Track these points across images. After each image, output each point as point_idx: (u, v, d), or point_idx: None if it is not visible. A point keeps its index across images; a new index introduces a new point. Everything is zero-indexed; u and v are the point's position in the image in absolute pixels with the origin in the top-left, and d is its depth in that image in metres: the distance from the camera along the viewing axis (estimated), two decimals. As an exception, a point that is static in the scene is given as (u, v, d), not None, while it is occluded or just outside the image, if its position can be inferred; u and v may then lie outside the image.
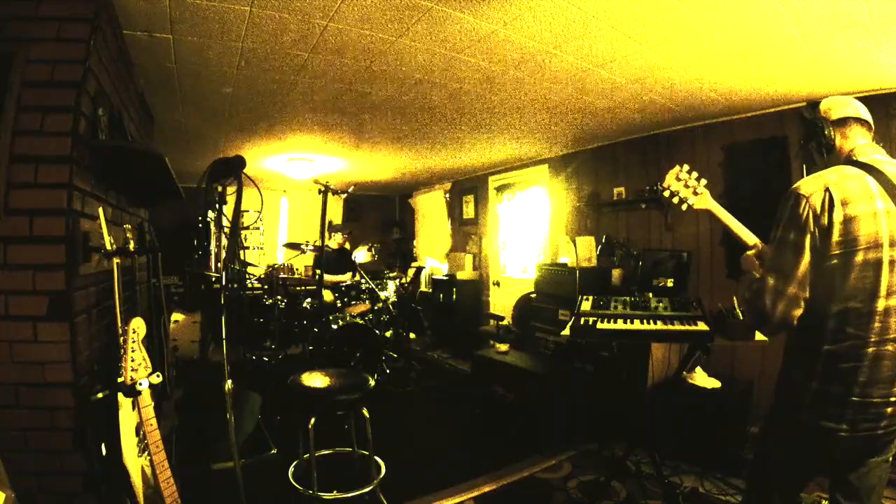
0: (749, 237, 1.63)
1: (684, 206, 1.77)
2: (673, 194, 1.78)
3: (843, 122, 1.38)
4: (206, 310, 3.62)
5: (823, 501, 2.18)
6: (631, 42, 2.29)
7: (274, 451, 2.82)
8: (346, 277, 5.01)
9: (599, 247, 4.12)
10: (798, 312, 1.28)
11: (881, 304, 1.21)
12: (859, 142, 1.36)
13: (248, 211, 3.81)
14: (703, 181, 1.77)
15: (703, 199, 1.75)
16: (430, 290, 6.32)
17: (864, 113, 1.39)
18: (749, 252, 1.55)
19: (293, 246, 4.49)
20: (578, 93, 3.06)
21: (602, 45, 2.33)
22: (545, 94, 3.07)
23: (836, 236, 1.23)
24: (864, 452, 1.30)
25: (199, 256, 4.54)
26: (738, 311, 1.96)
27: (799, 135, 1.55)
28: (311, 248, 4.37)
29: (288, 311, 4.53)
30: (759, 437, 1.53)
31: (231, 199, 2.61)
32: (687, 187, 1.76)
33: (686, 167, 1.78)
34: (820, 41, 2.21)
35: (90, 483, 1.65)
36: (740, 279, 1.51)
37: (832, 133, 1.38)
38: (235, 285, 3.83)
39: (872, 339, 1.21)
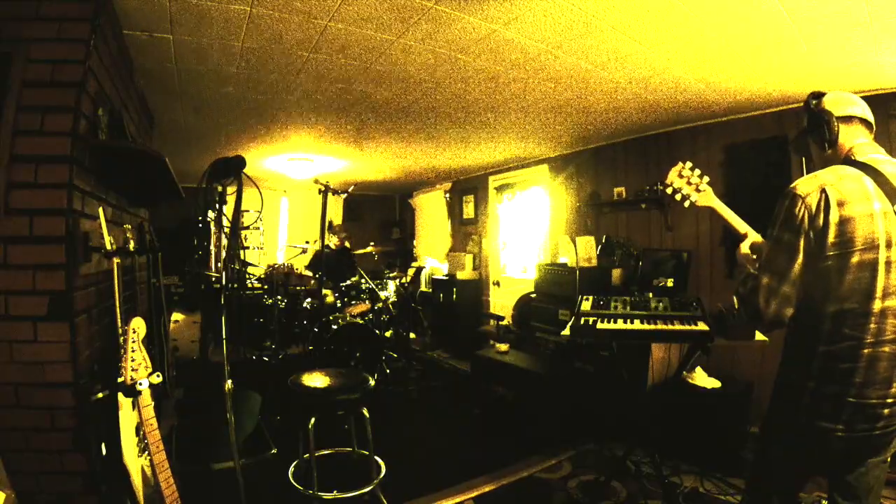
0: (753, 236, 1.62)
1: (687, 203, 1.77)
2: (676, 191, 1.78)
3: (848, 119, 1.36)
4: (206, 310, 3.62)
5: (823, 501, 2.18)
6: (631, 42, 2.29)
7: (274, 451, 2.82)
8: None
9: (599, 247, 4.11)
10: (790, 311, 1.28)
11: (877, 306, 1.21)
12: (858, 140, 1.35)
13: (248, 211, 3.81)
14: (706, 178, 1.76)
15: (706, 196, 1.74)
16: (430, 290, 6.32)
17: (869, 114, 1.38)
18: (742, 245, 1.55)
19: (296, 247, 4.49)
20: (582, 93, 3.05)
21: (603, 45, 2.33)
22: (549, 94, 3.07)
23: (831, 237, 1.22)
24: (862, 453, 1.30)
25: (199, 256, 4.54)
26: (738, 310, 1.95)
27: (799, 124, 1.52)
28: (309, 247, 4.36)
29: (288, 311, 4.53)
30: (759, 437, 1.53)
31: (231, 199, 2.61)
32: (690, 184, 1.76)
33: (689, 164, 1.77)
34: (820, 41, 2.21)
35: (90, 483, 1.65)
36: (735, 272, 1.51)
37: (837, 127, 1.36)
38: (235, 285, 3.83)
39: (868, 341, 1.21)
